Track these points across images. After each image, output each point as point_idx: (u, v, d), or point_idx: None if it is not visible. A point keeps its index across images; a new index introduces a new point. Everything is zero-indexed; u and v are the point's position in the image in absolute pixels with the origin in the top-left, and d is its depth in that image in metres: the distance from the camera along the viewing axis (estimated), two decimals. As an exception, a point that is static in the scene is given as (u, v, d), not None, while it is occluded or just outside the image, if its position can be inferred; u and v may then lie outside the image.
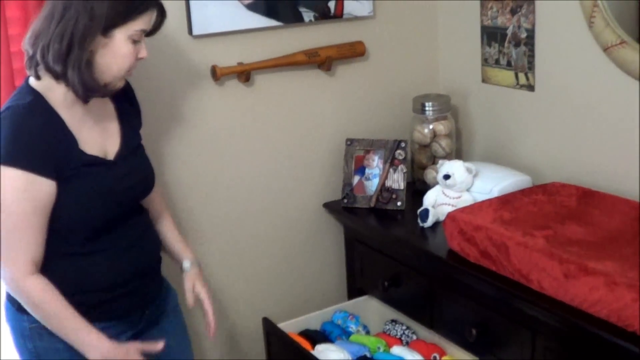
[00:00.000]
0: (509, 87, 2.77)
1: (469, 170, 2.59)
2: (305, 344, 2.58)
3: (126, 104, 2.05)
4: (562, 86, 2.57)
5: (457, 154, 2.94)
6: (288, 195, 2.86)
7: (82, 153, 1.86)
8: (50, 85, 1.83)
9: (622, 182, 2.44)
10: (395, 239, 2.57)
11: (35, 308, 1.79)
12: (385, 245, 2.67)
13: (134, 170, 1.99)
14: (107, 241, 1.90)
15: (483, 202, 2.43)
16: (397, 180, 2.76)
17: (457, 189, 2.58)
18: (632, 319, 1.84)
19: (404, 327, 2.70)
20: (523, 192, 2.49)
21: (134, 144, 2.03)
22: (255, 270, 2.84)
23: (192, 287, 2.15)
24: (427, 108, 2.83)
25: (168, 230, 2.19)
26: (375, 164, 2.80)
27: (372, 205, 2.77)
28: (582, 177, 2.55)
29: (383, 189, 2.77)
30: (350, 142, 2.83)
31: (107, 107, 1.99)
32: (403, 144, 2.77)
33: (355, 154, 2.82)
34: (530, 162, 2.75)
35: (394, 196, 2.75)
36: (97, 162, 1.88)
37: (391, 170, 2.76)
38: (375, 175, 2.80)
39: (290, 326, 2.70)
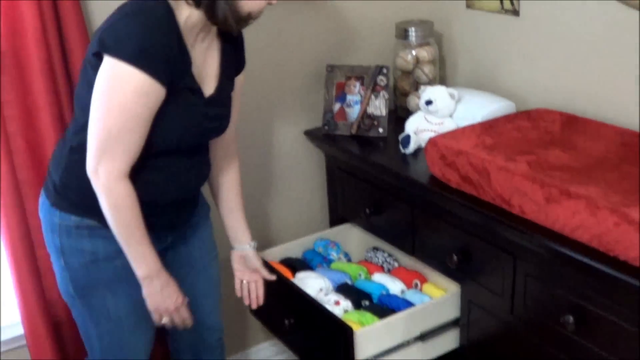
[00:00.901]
0: (494, 13, 2.67)
1: (451, 96, 2.50)
2: (285, 272, 2.52)
3: (231, 47, 2.00)
4: (547, 11, 2.47)
5: (440, 80, 2.84)
6: (268, 123, 2.77)
7: (192, 78, 1.84)
8: (179, 4, 1.77)
9: (607, 108, 2.36)
10: (377, 166, 2.49)
11: (116, 211, 1.77)
12: (366, 173, 2.59)
13: (221, 115, 1.98)
14: (172, 162, 1.90)
15: (465, 127, 2.34)
16: (379, 106, 2.67)
17: (440, 115, 2.49)
18: (614, 243, 1.77)
19: (385, 255, 2.64)
20: (506, 118, 2.41)
21: (228, 91, 2.01)
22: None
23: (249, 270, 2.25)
24: (410, 34, 2.72)
25: (235, 202, 2.20)
26: (356, 91, 2.70)
27: (353, 132, 2.69)
28: (567, 104, 2.47)
29: (364, 115, 2.68)
30: (331, 69, 2.73)
31: (213, 44, 1.94)
32: (385, 70, 2.67)
33: (336, 80, 2.72)
34: (514, 89, 2.66)
35: (375, 123, 2.66)
36: (198, 92, 1.87)
37: (373, 96, 2.67)
38: (357, 102, 2.70)
39: (270, 254, 2.64)
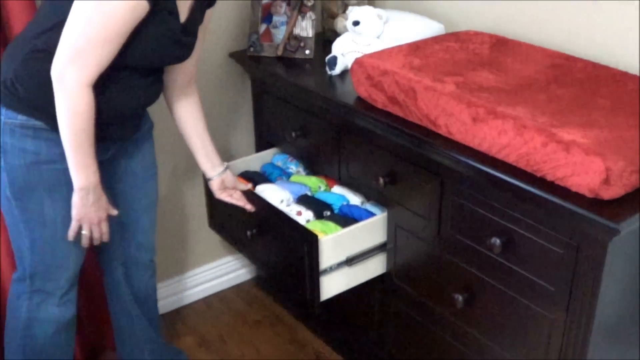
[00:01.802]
0: None
1: (379, 17, 2.37)
2: (245, 184, 2.41)
3: None
4: None
5: (369, 1, 2.70)
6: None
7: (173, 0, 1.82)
8: None
9: (536, 31, 2.28)
10: (303, 88, 2.36)
11: (74, 118, 1.73)
12: (292, 95, 2.46)
13: (189, 44, 1.95)
14: (132, 78, 1.86)
15: (392, 48, 2.22)
16: (306, 28, 2.52)
17: (367, 36, 2.37)
18: (541, 163, 1.69)
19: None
20: (434, 40, 2.30)
21: (198, 22, 1.97)
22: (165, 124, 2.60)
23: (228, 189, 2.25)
24: (338, -48, 2.57)
25: (200, 128, 2.19)
26: (282, 12, 2.55)
27: (279, 53, 2.54)
28: (496, 27, 2.38)
29: (291, 37, 2.53)
30: (256, -13, 2.56)
31: None
32: (312, -10, 2.52)
33: (262, 1, 2.56)
34: (443, 11, 2.55)
35: (302, 44, 2.52)
36: (176, 16, 1.83)
37: (299, 17, 2.52)
38: (283, 23, 2.55)
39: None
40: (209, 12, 2.00)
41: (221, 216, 2.35)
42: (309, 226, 2.21)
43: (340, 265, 2.19)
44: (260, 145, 2.72)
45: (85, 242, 1.93)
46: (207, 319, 2.87)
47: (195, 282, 2.94)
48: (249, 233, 2.35)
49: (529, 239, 1.78)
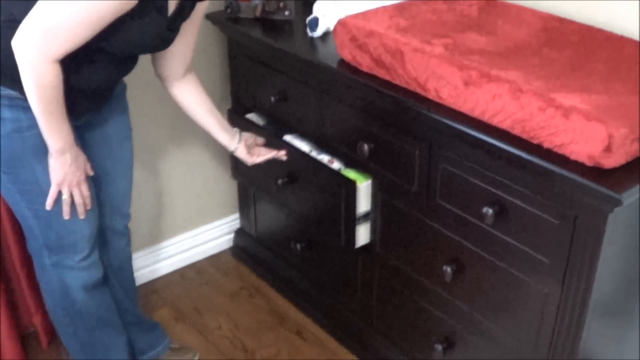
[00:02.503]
0: None
1: (363, -25, 2.24)
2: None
3: None
4: None
5: (351, -40, 2.57)
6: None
7: None
8: None
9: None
10: (282, 51, 2.23)
11: (43, 89, 1.63)
12: (271, 58, 2.33)
13: (169, 39, 1.84)
14: (107, 59, 1.77)
15: (377, 8, 2.11)
16: (285, -13, 2.39)
17: (350, -5, 2.25)
18: (538, 130, 1.60)
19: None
20: (421, 0, 2.18)
21: (183, 18, 1.85)
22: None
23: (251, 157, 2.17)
24: None
25: (208, 109, 2.10)
26: (261, -30, 2.42)
27: (257, 15, 2.41)
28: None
29: (270, -4, 2.40)
30: (233, -56, 2.42)
31: None
32: (292, -53, 2.38)
33: (239, -42, 2.42)
34: (429, -30, 2.42)
35: (281, 5, 2.39)
36: (164, 13, 1.73)
37: (279, -24, 2.39)
38: (261, -18, 2.42)
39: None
40: (201, 5, 1.89)
41: (245, 165, 2.23)
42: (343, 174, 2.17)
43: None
44: (238, 111, 2.59)
45: (65, 208, 1.83)
46: (182, 290, 2.76)
47: (170, 252, 2.83)
48: (279, 181, 2.32)
49: (523, 209, 1.69)
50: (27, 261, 2.25)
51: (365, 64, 1.96)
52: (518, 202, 1.69)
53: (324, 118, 2.18)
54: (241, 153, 2.15)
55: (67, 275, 1.93)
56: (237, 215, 2.93)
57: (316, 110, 2.20)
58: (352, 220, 2.14)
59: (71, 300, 1.97)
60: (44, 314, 2.37)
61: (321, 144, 2.25)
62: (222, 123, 2.12)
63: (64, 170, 1.78)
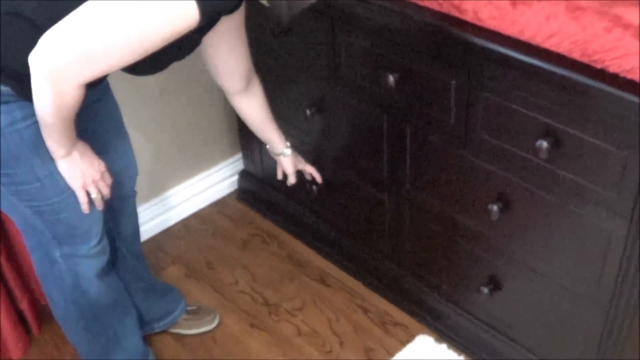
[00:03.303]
0: None
1: None
2: None
3: None
4: None
5: None
6: None
7: None
8: None
9: None
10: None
11: (63, 109, 1.44)
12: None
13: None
14: None
15: None
16: None
17: None
18: (602, 53, 1.44)
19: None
20: None
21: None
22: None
23: (294, 169, 2.12)
24: None
25: (267, 117, 1.97)
26: None
27: None
28: None
29: None
30: None
31: None
32: None
33: None
34: None
35: None
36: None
37: None
38: None
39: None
40: (238, 13, 1.68)
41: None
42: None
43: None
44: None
45: (99, 204, 1.71)
46: (188, 243, 2.62)
47: (170, 203, 2.67)
48: (308, 112, 2.19)
49: (585, 141, 1.54)
50: (7, 244, 2.12)
51: (385, -15, 1.77)
52: (577, 133, 1.54)
53: (338, 51, 1.99)
54: (289, 161, 2.09)
55: (81, 265, 1.79)
56: (239, 155, 2.76)
57: (329, 43, 2.00)
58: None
59: (83, 291, 1.83)
60: (31, 300, 2.24)
61: (337, 84, 2.07)
62: (278, 130, 2.02)
63: (80, 169, 1.62)
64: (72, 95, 1.40)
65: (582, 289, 1.76)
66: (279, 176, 2.15)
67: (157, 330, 2.22)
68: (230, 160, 2.79)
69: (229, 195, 2.80)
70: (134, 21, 1.30)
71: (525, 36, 1.54)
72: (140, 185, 2.40)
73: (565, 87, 1.50)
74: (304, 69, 2.18)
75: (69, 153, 1.59)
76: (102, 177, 1.68)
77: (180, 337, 2.24)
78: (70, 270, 1.78)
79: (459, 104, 1.76)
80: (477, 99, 1.71)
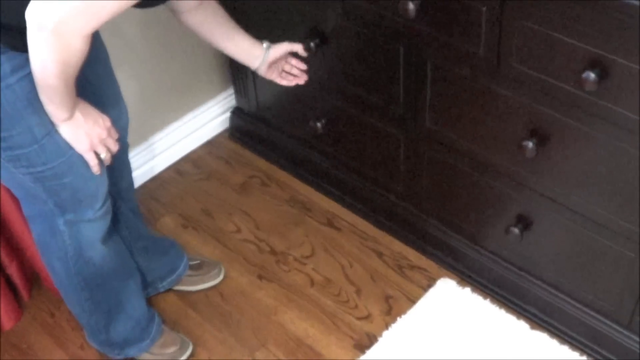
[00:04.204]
0: None
1: None
2: None
3: None
4: None
5: None
6: None
7: None
8: None
9: None
10: None
11: (69, 66, 1.33)
12: None
13: None
14: None
15: None
16: None
17: None
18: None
19: None
20: None
21: None
22: None
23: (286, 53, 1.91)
24: None
25: (230, 28, 1.80)
26: None
27: None
28: None
29: None
30: None
31: None
32: None
33: None
34: None
35: None
36: None
37: None
38: None
39: None
40: None
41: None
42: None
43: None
44: None
45: (108, 161, 1.60)
46: (183, 190, 2.47)
47: (159, 147, 2.51)
48: (312, 44, 1.99)
49: (637, 71, 1.40)
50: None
51: None
52: (627, 62, 1.40)
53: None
54: (263, 71, 1.88)
55: (86, 230, 1.66)
56: (230, 91, 2.59)
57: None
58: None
59: (87, 259, 1.71)
60: (19, 264, 2.09)
61: (343, 12, 1.90)
62: (245, 42, 1.82)
63: (84, 131, 1.50)
64: (78, 48, 1.28)
65: (622, 228, 1.66)
66: (288, 81, 1.94)
67: (162, 290, 2.10)
68: (221, 97, 2.62)
69: (220, 135, 2.65)
70: None
71: (574, -45, 1.39)
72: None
73: (617, 11, 1.36)
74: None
75: (71, 115, 1.45)
76: (109, 134, 1.55)
77: (185, 295, 2.13)
78: (74, 239, 1.66)
79: (491, 33, 1.60)
80: (512, 27, 1.56)
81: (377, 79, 1.97)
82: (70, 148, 1.50)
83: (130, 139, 2.18)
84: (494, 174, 1.85)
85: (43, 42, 1.25)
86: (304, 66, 1.95)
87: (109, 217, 1.70)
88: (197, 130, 2.58)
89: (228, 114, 2.63)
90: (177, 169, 2.53)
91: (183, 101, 2.53)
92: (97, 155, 1.55)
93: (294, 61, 1.93)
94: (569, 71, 1.51)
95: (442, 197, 2.05)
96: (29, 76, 1.37)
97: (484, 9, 1.58)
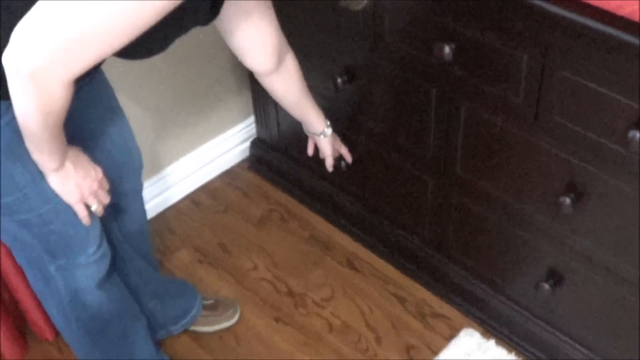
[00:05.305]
0: None
1: None
2: None
3: None
4: None
5: None
6: None
7: None
8: None
9: None
10: None
11: (49, 115, 1.23)
12: None
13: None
14: None
15: None
16: None
17: None
18: None
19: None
20: None
21: None
22: None
23: (333, 151, 1.91)
24: None
25: (301, 90, 1.74)
26: None
27: None
28: None
29: None
30: None
31: None
32: None
33: None
34: None
35: None
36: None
37: None
38: None
39: None
40: None
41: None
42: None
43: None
44: None
45: (100, 213, 1.53)
46: (199, 222, 2.41)
47: (176, 176, 2.45)
48: (339, 80, 1.97)
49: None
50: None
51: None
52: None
53: (380, 15, 1.76)
54: (326, 141, 1.87)
55: (79, 276, 1.58)
56: (250, 120, 2.54)
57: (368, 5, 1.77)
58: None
59: (84, 305, 1.64)
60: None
61: (375, 50, 1.84)
62: (315, 108, 1.81)
63: (75, 182, 1.42)
64: (60, 96, 1.18)
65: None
66: (310, 151, 1.94)
67: (174, 333, 2.03)
68: (241, 125, 2.56)
69: (239, 165, 2.58)
70: None
71: (625, 11, 1.33)
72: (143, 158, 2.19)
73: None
74: (334, 34, 1.95)
75: (60, 166, 1.38)
76: (100, 186, 1.49)
77: (198, 336, 2.06)
78: (68, 285, 1.59)
79: (531, 83, 1.54)
80: (554, 78, 1.50)
81: (407, 120, 1.91)
82: (57, 195, 1.44)
83: (145, 168, 2.13)
84: (525, 226, 1.79)
85: (21, 89, 1.17)
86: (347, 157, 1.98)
87: (106, 261, 1.62)
88: (216, 159, 2.52)
89: (247, 144, 2.57)
90: (193, 200, 2.47)
91: (201, 130, 2.47)
92: (87, 206, 1.48)
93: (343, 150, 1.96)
94: (612, 128, 1.45)
95: (469, 244, 1.98)
96: (11, 123, 1.29)
97: (525, 56, 1.52)
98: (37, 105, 1.19)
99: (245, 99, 2.50)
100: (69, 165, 1.40)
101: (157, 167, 2.39)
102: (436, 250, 2.08)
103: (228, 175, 2.55)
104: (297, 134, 2.33)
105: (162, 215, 2.42)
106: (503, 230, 1.85)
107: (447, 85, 1.73)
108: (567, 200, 1.60)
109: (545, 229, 1.74)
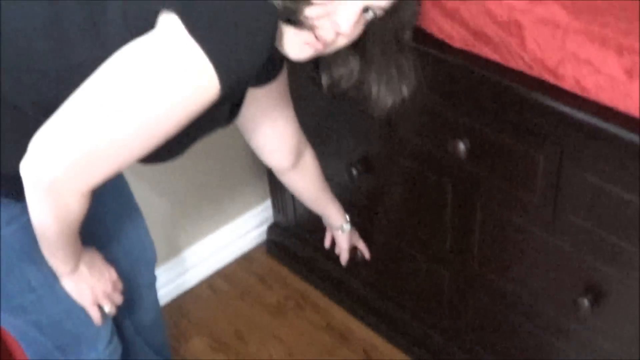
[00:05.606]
0: None
1: None
2: None
3: None
4: None
5: None
6: None
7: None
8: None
9: None
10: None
11: (66, 222, 1.22)
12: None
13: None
14: None
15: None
16: None
17: None
18: None
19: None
20: None
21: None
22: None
23: (349, 246, 1.90)
24: None
25: (320, 185, 1.76)
26: None
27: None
28: None
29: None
30: None
31: None
32: None
33: None
34: None
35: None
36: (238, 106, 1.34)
37: None
38: None
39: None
40: (276, 85, 1.46)
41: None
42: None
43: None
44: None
45: (113, 313, 1.52)
46: (215, 308, 2.38)
47: (191, 260, 2.43)
48: (354, 171, 1.96)
49: None
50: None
51: (458, 37, 1.51)
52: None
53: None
54: (345, 237, 1.87)
55: None
56: (267, 203, 2.52)
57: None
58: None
59: None
60: None
61: (390, 142, 1.83)
62: (335, 203, 1.81)
63: (89, 285, 1.42)
64: (77, 206, 1.18)
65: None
66: (327, 244, 1.92)
67: None
68: (259, 208, 2.55)
69: (256, 249, 2.56)
70: (140, 105, 1.06)
71: (641, 113, 1.30)
72: (157, 244, 2.18)
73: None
74: (349, 125, 1.94)
75: (75, 269, 1.38)
76: (114, 287, 1.48)
77: None
78: None
79: (547, 183, 1.51)
80: (571, 180, 1.47)
81: (422, 213, 1.88)
82: (70, 296, 1.42)
83: (160, 252, 2.11)
84: (542, 324, 1.73)
85: (38, 201, 1.17)
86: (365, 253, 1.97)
87: (116, 356, 1.61)
88: (232, 243, 2.50)
89: (264, 227, 2.55)
90: (209, 284, 2.45)
91: (218, 213, 2.46)
92: (100, 307, 1.47)
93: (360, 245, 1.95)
94: (632, 229, 1.41)
95: (487, 341, 1.93)
96: (26, 226, 1.28)
97: (541, 157, 1.49)
98: (55, 214, 1.19)
99: (262, 184, 2.49)
100: (83, 268, 1.39)
101: (174, 251, 2.37)
102: (453, 342, 2.03)
103: (245, 260, 2.53)
104: (315, 221, 2.30)
105: (177, 300, 2.39)
106: (520, 328, 1.80)
107: (462, 181, 1.71)
108: (586, 302, 1.56)
109: (561, 328, 1.69)
